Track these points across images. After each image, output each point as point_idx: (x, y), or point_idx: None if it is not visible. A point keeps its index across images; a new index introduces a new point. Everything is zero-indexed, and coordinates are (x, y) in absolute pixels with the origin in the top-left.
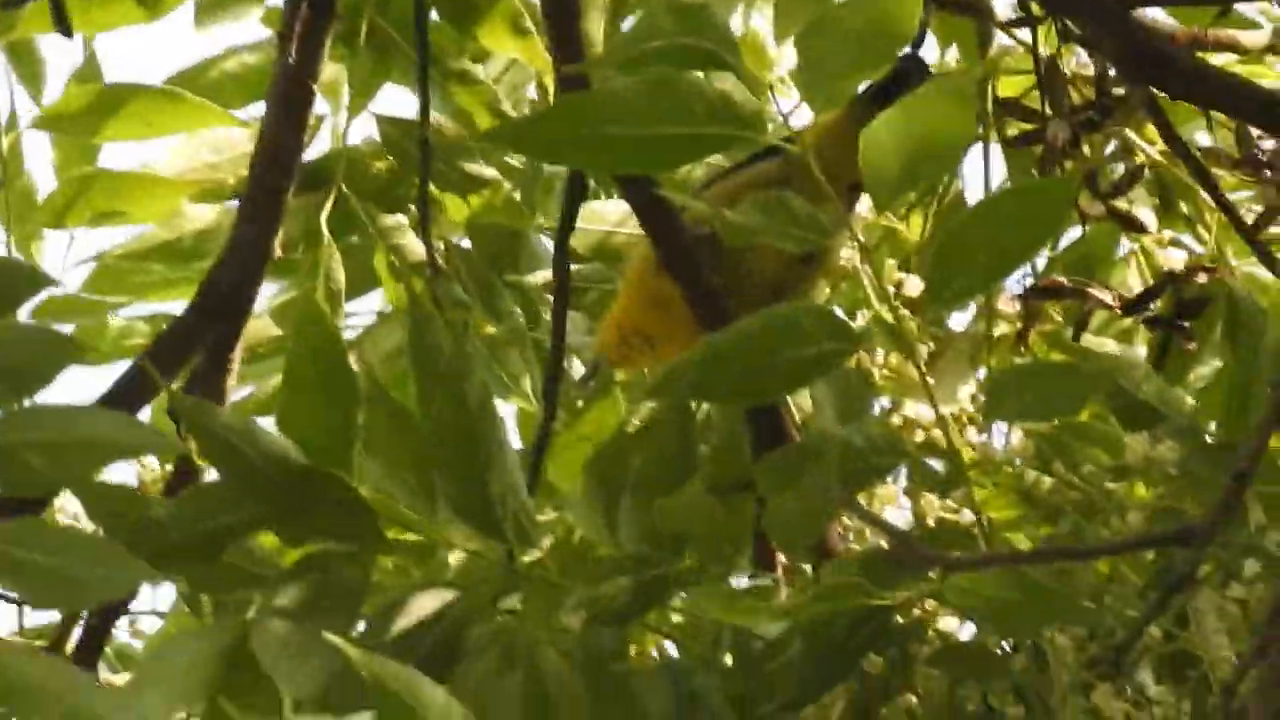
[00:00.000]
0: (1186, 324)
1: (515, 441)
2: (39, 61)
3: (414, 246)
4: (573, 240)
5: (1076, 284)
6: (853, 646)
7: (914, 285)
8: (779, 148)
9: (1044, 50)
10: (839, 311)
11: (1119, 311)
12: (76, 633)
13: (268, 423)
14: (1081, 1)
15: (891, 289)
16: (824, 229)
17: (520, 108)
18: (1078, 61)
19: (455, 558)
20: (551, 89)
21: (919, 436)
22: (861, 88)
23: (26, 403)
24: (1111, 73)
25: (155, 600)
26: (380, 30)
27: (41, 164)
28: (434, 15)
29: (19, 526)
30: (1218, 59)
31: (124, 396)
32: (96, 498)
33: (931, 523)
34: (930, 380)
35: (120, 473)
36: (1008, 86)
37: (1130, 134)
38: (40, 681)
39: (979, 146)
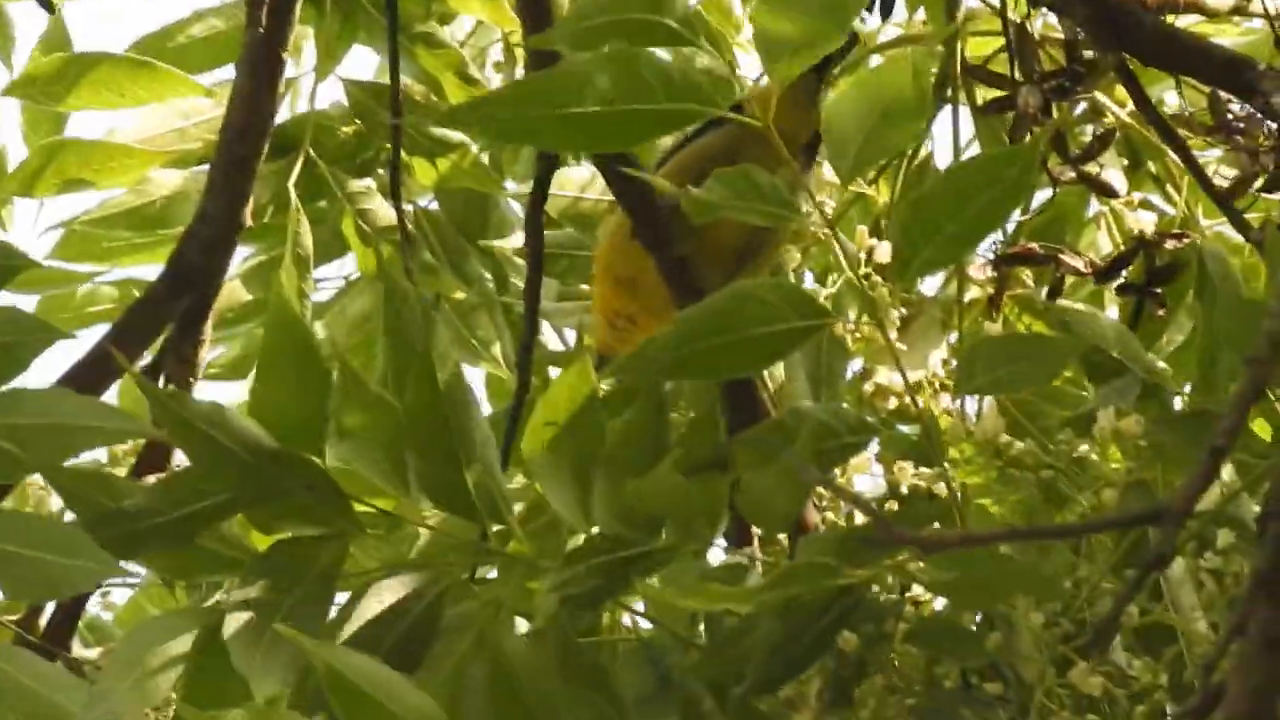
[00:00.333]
0: (1158, 290)
1: (485, 407)
2: (7, 24)
3: (382, 211)
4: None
5: (1048, 249)
6: (825, 624)
7: (884, 251)
8: (727, 117)
9: (1013, 15)
10: (810, 280)
11: (1091, 278)
12: (49, 608)
13: (238, 388)
14: None
15: (862, 255)
16: (789, 203)
17: (486, 71)
18: (1045, 22)
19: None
20: (519, 52)
21: (891, 403)
22: None
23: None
24: (1081, 37)
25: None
26: None
27: (11, 132)
28: None
29: None
30: (1183, 20)
31: (91, 371)
32: (69, 483)
33: (905, 490)
34: (901, 347)
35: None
36: (976, 47)
37: (1100, 96)
38: (13, 675)
39: (948, 110)
